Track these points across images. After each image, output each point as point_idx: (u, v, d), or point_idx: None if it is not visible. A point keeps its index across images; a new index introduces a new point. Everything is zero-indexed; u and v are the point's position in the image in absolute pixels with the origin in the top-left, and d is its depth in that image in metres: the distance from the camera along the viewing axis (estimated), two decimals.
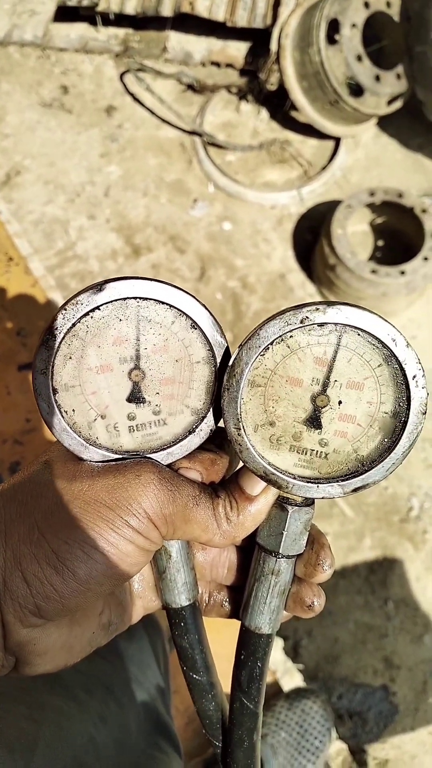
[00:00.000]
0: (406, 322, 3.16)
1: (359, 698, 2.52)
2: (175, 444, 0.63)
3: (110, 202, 3.38)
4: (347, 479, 0.61)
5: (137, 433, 0.63)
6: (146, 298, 0.58)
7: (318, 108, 3.47)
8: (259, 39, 3.71)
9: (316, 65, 3.38)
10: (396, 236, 3.36)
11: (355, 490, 0.61)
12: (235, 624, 0.71)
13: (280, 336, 0.57)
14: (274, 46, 3.53)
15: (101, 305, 0.57)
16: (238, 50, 3.80)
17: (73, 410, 0.60)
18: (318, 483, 0.61)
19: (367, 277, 3.05)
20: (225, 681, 0.75)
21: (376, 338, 0.56)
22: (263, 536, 0.65)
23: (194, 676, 0.70)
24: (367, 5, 3.43)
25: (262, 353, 0.58)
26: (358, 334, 0.57)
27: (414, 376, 0.57)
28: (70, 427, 0.60)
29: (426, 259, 3.04)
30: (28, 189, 3.36)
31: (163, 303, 0.59)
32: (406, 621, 2.60)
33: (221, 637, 0.73)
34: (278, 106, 3.62)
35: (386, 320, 0.56)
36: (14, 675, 0.58)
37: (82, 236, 3.25)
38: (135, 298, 0.58)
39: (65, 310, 0.57)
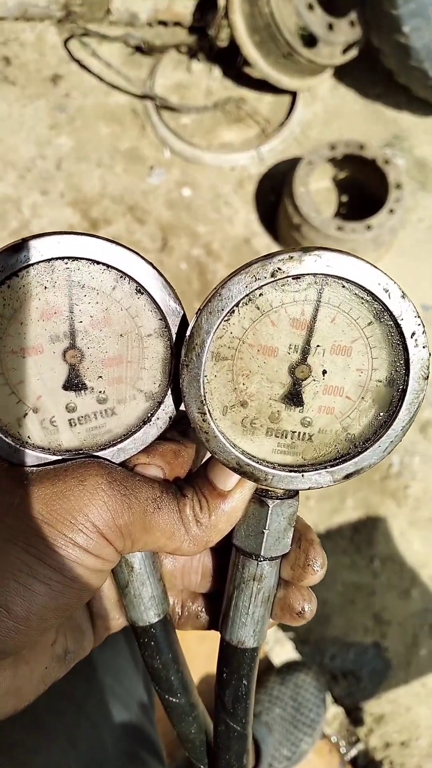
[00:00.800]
0: None
1: (352, 657, 2.53)
2: (127, 438, 0.53)
3: (63, 176, 3.26)
4: (337, 464, 0.52)
5: (80, 428, 0.53)
6: (77, 258, 0.47)
7: (271, 62, 3.35)
8: None
9: (267, 17, 3.25)
10: (360, 190, 3.29)
11: (348, 476, 0.52)
12: (213, 636, 0.64)
13: (247, 295, 0.47)
14: (221, 1, 3.39)
15: (20, 270, 0.46)
16: (185, 7, 3.65)
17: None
18: (302, 471, 0.52)
19: (333, 235, 2.98)
20: (206, 697, 0.68)
21: (365, 290, 0.47)
22: (241, 537, 0.56)
23: (171, 698, 0.62)
24: None
25: (226, 318, 0.48)
26: (343, 286, 0.47)
27: (413, 334, 0.47)
28: None
29: (391, 211, 2.97)
30: None
31: (98, 263, 0.48)
32: (393, 577, 2.60)
33: (201, 650, 0.64)
34: (231, 62, 3.49)
35: (375, 266, 0.47)
36: None
37: (37, 213, 3.13)
38: (63, 258, 0.47)
39: None
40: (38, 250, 0.46)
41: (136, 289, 0.50)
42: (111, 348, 0.51)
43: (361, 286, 0.46)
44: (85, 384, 0.51)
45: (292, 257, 0.46)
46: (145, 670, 1.10)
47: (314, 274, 0.46)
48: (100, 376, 0.52)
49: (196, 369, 0.49)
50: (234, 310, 0.48)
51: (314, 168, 3.09)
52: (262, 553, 0.56)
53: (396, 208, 2.99)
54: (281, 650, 2.19)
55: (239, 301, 0.47)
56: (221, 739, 0.62)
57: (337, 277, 0.46)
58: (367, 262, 0.47)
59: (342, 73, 3.55)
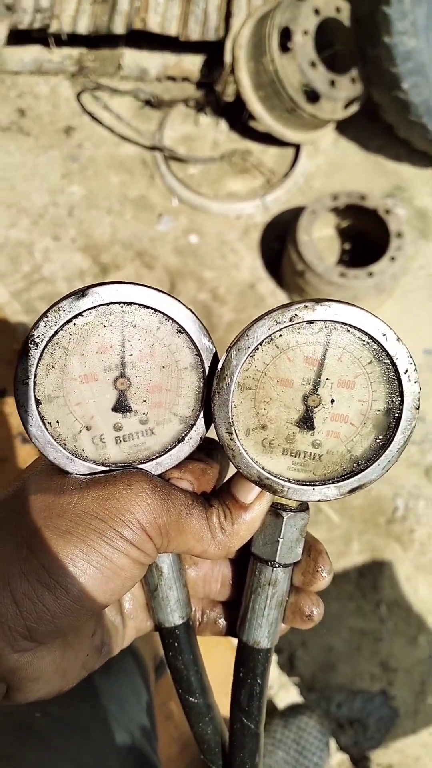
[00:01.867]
0: None
1: (358, 705, 2.50)
2: (164, 454, 0.61)
3: (75, 222, 3.36)
4: (343, 480, 0.59)
5: (124, 444, 0.61)
6: (130, 303, 0.56)
7: (276, 116, 3.49)
8: (213, 51, 3.73)
9: (271, 74, 3.40)
10: (362, 238, 3.38)
11: (352, 490, 0.60)
12: (226, 644, 0.68)
13: (270, 336, 0.56)
14: (228, 58, 3.54)
15: (84, 311, 0.55)
16: (193, 64, 3.82)
17: (57, 422, 0.58)
18: (313, 485, 0.60)
19: (336, 281, 3.05)
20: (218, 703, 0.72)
21: (366, 334, 0.55)
22: (258, 545, 0.64)
23: (190, 698, 0.68)
24: (317, 12, 3.47)
25: (251, 354, 0.57)
26: (348, 331, 0.56)
27: (406, 371, 0.56)
28: (55, 440, 0.58)
29: (393, 259, 3.06)
30: None
31: (147, 307, 0.57)
32: (399, 623, 2.59)
33: (213, 657, 0.70)
34: (236, 116, 3.63)
35: (375, 315, 0.55)
36: (5, 703, 0.55)
37: (48, 258, 3.22)
38: (119, 303, 0.56)
39: (47, 317, 0.55)
40: (100, 295, 0.56)
41: (177, 330, 0.59)
42: (154, 378, 0.60)
43: (364, 331, 0.55)
44: (130, 407, 0.60)
45: (306, 306, 0.55)
46: (149, 703, 1.15)
47: (324, 321, 0.55)
48: (144, 401, 0.60)
49: (225, 396, 0.58)
50: (258, 348, 0.57)
51: (317, 217, 3.18)
52: (277, 560, 0.63)
53: (397, 256, 3.07)
54: (285, 695, 2.17)
55: (262, 341, 0.56)
56: (236, 737, 0.68)
57: (343, 323, 0.55)
58: (369, 312, 0.55)
59: (344, 127, 3.69)
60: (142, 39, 3.79)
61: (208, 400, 0.60)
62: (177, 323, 0.58)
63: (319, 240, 3.26)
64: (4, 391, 2.25)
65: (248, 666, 0.66)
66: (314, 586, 0.64)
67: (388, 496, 2.80)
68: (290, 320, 0.55)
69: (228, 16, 3.73)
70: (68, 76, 3.89)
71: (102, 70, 3.88)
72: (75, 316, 0.55)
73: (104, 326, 0.57)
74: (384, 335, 0.55)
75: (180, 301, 0.58)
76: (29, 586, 0.51)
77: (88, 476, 0.59)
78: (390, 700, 2.50)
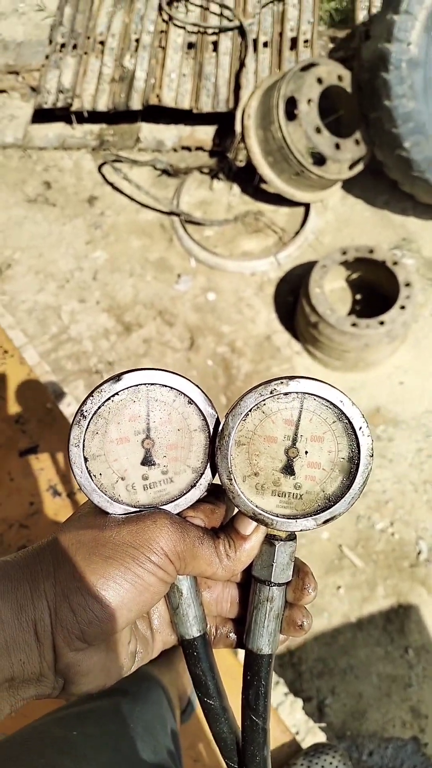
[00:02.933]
0: (393, 370, 3.27)
1: (390, 753, 2.49)
2: (180, 497, 0.77)
3: (99, 285, 3.55)
4: (318, 513, 0.74)
5: (150, 491, 0.76)
6: (153, 383, 0.73)
7: (285, 179, 3.69)
8: (224, 121, 3.97)
9: (279, 141, 3.61)
10: (372, 288, 3.51)
11: (326, 521, 0.74)
12: (230, 659, 0.80)
13: (256, 404, 0.72)
14: (238, 128, 3.78)
15: (119, 391, 0.72)
16: (206, 134, 4.06)
17: (100, 474, 0.73)
18: (296, 519, 0.74)
19: (348, 331, 3.17)
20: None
21: (328, 401, 0.71)
22: (257, 569, 0.77)
23: (208, 701, 0.80)
24: (320, 81, 3.70)
25: (243, 419, 0.72)
26: (315, 399, 0.71)
27: (360, 428, 0.72)
28: (98, 488, 0.73)
29: (403, 307, 3.17)
30: (20, 280, 3.55)
31: (166, 386, 0.74)
32: (428, 667, 2.59)
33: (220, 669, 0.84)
34: (248, 180, 3.84)
35: (334, 387, 0.71)
36: (62, 696, 0.69)
37: (75, 319, 3.40)
38: (145, 384, 0.73)
39: (92, 396, 0.71)
40: (131, 379, 0.72)
41: (188, 401, 0.75)
42: (171, 438, 0.76)
43: (326, 399, 0.71)
44: (154, 461, 0.76)
45: (282, 382, 0.71)
46: (174, 732, 1.27)
47: (297, 392, 0.72)
48: (164, 456, 0.76)
49: (225, 451, 0.73)
50: (248, 414, 0.73)
51: (328, 271, 3.33)
52: (272, 580, 0.77)
53: (407, 305, 3.19)
54: (312, 739, 2.18)
55: (251, 409, 0.72)
56: (247, 732, 0.80)
57: (311, 393, 0.71)
58: (330, 385, 0.72)
59: (350, 185, 3.87)
60: (158, 113, 4.06)
61: (212, 455, 0.76)
62: (188, 396, 0.74)
63: (331, 292, 3.40)
64: (36, 448, 2.38)
65: (254, 670, 0.79)
66: (303, 600, 0.77)
67: (411, 540, 2.84)
68: (271, 393, 0.71)
69: (237, 88, 3.99)
70: (90, 149, 4.16)
71: (121, 143, 4.15)
72: (112, 395, 0.72)
73: (134, 401, 0.73)
74: (341, 401, 0.71)
75: (190, 381, 0.74)
76: (83, 598, 0.65)
77: (123, 515, 0.74)
78: (422, 747, 2.49)
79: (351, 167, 3.68)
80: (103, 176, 4.02)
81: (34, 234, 3.78)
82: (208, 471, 0.77)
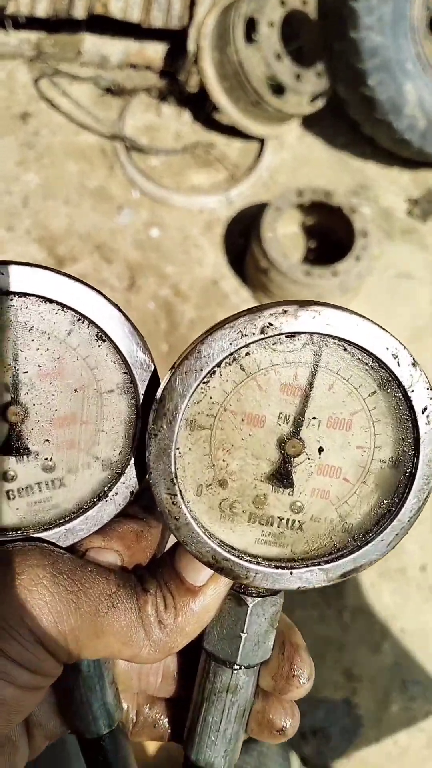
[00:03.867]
0: None
1: (321, 715, 2.44)
2: (77, 516, 0.45)
3: (30, 212, 3.21)
4: (332, 560, 0.44)
5: (19, 501, 0.44)
6: (26, 294, 0.39)
7: (240, 109, 3.41)
8: (176, 40, 3.64)
9: (236, 65, 3.31)
10: (327, 236, 3.33)
11: (344, 575, 0.44)
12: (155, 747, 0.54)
13: (232, 354, 0.40)
14: (191, 47, 3.45)
15: None
16: (155, 52, 3.71)
17: None
18: (291, 567, 0.44)
19: (300, 280, 2.99)
20: None
21: (370, 354, 0.40)
22: (213, 641, 0.48)
23: None
24: (283, 3, 3.40)
25: (205, 380, 0.41)
26: (344, 349, 0.40)
27: (425, 409, 0.40)
28: None
29: (358, 258, 3.01)
30: None
31: (52, 301, 0.40)
32: (363, 630, 2.53)
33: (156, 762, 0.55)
34: (200, 107, 3.55)
35: (384, 329, 0.40)
36: None
37: (2, 249, 3.07)
38: (8, 293, 0.39)
39: None
40: None
41: (96, 335, 0.42)
42: (63, 405, 0.43)
43: (366, 350, 0.40)
44: (28, 448, 0.43)
45: (286, 311, 0.39)
46: None
47: (311, 333, 0.40)
48: (47, 439, 0.43)
49: (166, 440, 0.41)
50: (215, 371, 0.41)
51: (282, 213, 3.11)
52: (238, 661, 0.48)
53: (362, 255, 3.03)
54: None
55: (221, 361, 0.40)
56: None
57: (338, 338, 0.40)
58: (374, 323, 0.40)
59: (309, 122, 3.64)
60: (103, 25, 3.68)
61: (142, 441, 0.43)
62: (96, 326, 0.41)
63: (284, 237, 3.19)
64: None
65: None
66: (288, 694, 0.50)
67: None
68: (261, 331, 0.39)
69: (192, 4, 3.65)
70: (26, 60, 3.74)
71: (61, 55, 3.74)
72: None
73: None
74: (395, 356, 0.40)
75: (101, 293, 0.41)
76: None
77: None
78: (353, 709, 2.45)
79: (311, 101, 3.44)
80: (40, 91, 3.62)
81: None
82: (133, 470, 0.45)
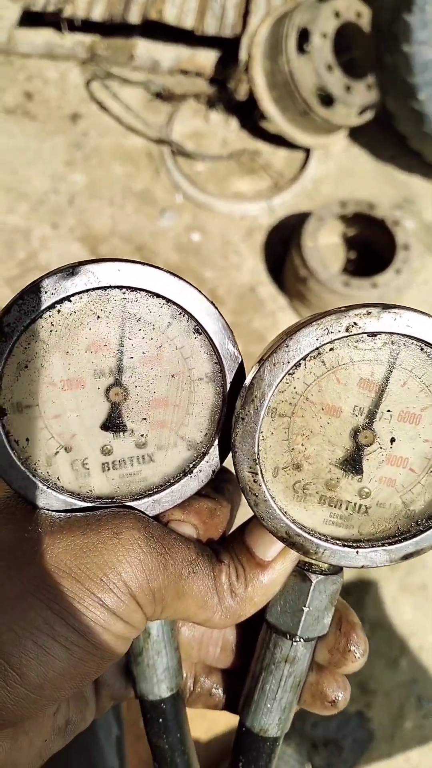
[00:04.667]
0: None
1: (334, 726, 2.43)
2: (164, 489, 0.49)
3: (75, 211, 3.27)
4: (395, 542, 0.47)
5: (114, 473, 0.48)
6: (135, 289, 0.44)
7: (288, 118, 3.42)
8: (228, 48, 3.67)
9: (286, 75, 3.33)
10: (368, 248, 3.31)
11: (406, 557, 0.48)
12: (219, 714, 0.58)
13: (317, 348, 0.44)
14: (243, 56, 3.48)
15: (73, 295, 0.43)
16: (207, 59, 3.74)
17: (27, 439, 0.45)
18: (357, 547, 0.47)
19: (338, 290, 2.99)
20: None
21: None
22: (276, 613, 0.51)
23: None
24: (337, 15, 3.41)
25: (290, 372, 0.44)
26: (421, 349, 0.44)
27: None
28: (22, 463, 0.45)
29: (398, 271, 3.00)
30: None
31: (158, 296, 0.44)
32: (381, 644, 2.51)
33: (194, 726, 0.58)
34: (248, 115, 3.57)
35: None
36: None
37: (45, 246, 3.13)
38: (120, 287, 0.43)
39: (22, 300, 0.42)
40: (96, 275, 0.43)
41: (194, 328, 0.46)
42: (159, 389, 0.47)
43: None
44: (125, 425, 0.47)
45: (370, 312, 0.43)
46: (119, 738, 1.02)
47: (391, 333, 0.44)
48: (144, 418, 0.47)
49: (252, 424, 0.45)
50: (300, 364, 0.45)
51: (324, 223, 3.12)
52: (299, 633, 0.51)
53: (403, 269, 3.01)
54: None
55: (307, 355, 0.44)
56: None
57: (416, 338, 0.44)
58: None
59: (356, 134, 3.63)
60: (156, 30, 3.72)
61: (227, 424, 0.48)
62: (194, 320, 0.46)
63: (324, 247, 3.19)
64: None
65: (251, 756, 0.54)
66: (344, 667, 0.52)
67: None
68: (347, 329, 0.43)
69: (246, 13, 3.67)
70: (79, 62, 3.81)
71: (114, 59, 3.81)
72: (61, 301, 0.43)
73: (99, 317, 0.44)
74: None
75: (201, 292, 0.46)
76: None
77: (63, 515, 0.46)
78: (366, 722, 2.43)
79: (360, 114, 3.43)
80: (91, 93, 3.69)
81: (9, 148, 3.45)
82: (216, 451, 0.49)
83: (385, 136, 3.61)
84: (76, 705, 0.51)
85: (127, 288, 0.44)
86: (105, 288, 0.43)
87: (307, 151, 3.55)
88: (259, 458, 0.46)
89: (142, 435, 0.48)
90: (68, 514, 0.46)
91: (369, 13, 3.54)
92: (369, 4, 3.62)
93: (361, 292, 2.99)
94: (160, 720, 0.54)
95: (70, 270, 0.43)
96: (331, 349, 0.45)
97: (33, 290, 0.43)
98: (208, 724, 1.88)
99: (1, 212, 3.21)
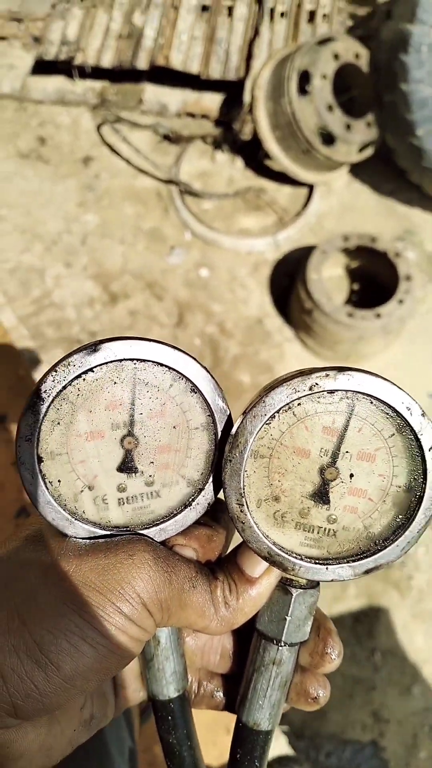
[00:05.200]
0: (384, 365, 3.17)
1: (348, 755, 2.44)
2: (168, 519, 0.59)
3: (87, 250, 3.40)
4: (358, 559, 0.57)
5: (127, 507, 0.58)
6: (144, 360, 0.54)
7: (291, 157, 3.54)
8: (232, 90, 3.80)
9: (288, 115, 3.45)
10: (371, 279, 3.40)
11: (368, 571, 0.57)
12: (209, 714, 0.66)
13: (288, 404, 0.54)
14: (247, 98, 3.61)
15: (95, 367, 0.53)
16: (212, 101, 3.89)
17: (59, 481, 0.55)
18: (327, 564, 0.57)
19: (343, 321, 3.06)
20: None
21: (390, 406, 0.53)
22: (264, 622, 0.61)
23: None
24: (336, 57, 3.54)
25: (267, 422, 0.54)
26: (371, 402, 0.54)
27: (431, 448, 0.54)
28: (55, 500, 0.55)
29: (401, 301, 3.07)
30: (5, 238, 3.37)
31: (161, 365, 0.55)
32: (394, 672, 2.53)
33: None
34: (252, 155, 3.69)
35: (400, 388, 0.54)
36: None
37: (59, 284, 3.25)
38: (132, 359, 0.54)
39: (55, 371, 0.53)
40: (113, 351, 0.54)
41: (190, 388, 0.57)
42: (163, 437, 0.58)
43: (387, 403, 0.53)
44: (137, 468, 0.58)
45: (328, 375, 0.53)
46: (132, 752, 1.11)
47: (346, 391, 0.54)
48: (152, 462, 0.58)
49: (237, 464, 0.55)
50: (275, 416, 0.55)
51: (327, 257, 3.21)
52: (283, 639, 0.60)
53: (405, 299, 3.08)
54: (275, 744, 2.12)
55: (280, 408, 0.54)
56: None
57: (366, 394, 0.53)
58: (393, 384, 0.54)
59: (358, 170, 3.74)
60: (164, 75, 3.88)
61: (219, 465, 0.58)
62: (191, 381, 0.56)
63: (328, 279, 3.28)
64: (5, 417, 2.24)
65: (246, 748, 0.63)
66: (322, 668, 0.61)
67: None
68: (310, 389, 0.53)
69: (249, 57, 3.82)
70: (90, 107, 3.97)
71: (123, 103, 3.96)
72: (85, 371, 0.53)
73: (115, 383, 0.55)
74: (408, 409, 0.53)
75: (196, 360, 0.56)
76: (18, 661, 0.48)
77: (88, 541, 0.56)
78: (380, 752, 2.44)
79: (360, 150, 3.54)
80: (102, 136, 3.84)
81: (24, 191, 3.59)
82: (210, 487, 0.59)
83: (386, 171, 3.72)
84: (99, 702, 0.61)
85: (138, 360, 0.55)
86: (120, 360, 0.54)
87: (311, 188, 3.66)
88: (244, 492, 0.56)
89: (150, 475, 0.58)
90: (92, 540, 0.57)
91: (367, 53, 3.67)
92: (367, 45, 3.76)
93: (365, 323, 3.06)
94: (169, 718, 0.63)
95: (93, 347, 0.54)
96: (299, 404, 0.54)
97: (64, 363, 0.53)
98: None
99: (17, 252, 3.34)
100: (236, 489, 0.56)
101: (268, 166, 3.66)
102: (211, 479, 0.59)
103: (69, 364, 0.53)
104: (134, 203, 3.60)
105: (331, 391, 0.54)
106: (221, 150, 3.78)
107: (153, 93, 3.97)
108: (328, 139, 3.46)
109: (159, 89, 3.98)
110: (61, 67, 4.01)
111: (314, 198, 3.62)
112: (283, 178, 3.61)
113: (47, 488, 0.55)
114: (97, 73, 3.94)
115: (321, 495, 0.56)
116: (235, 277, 3.38)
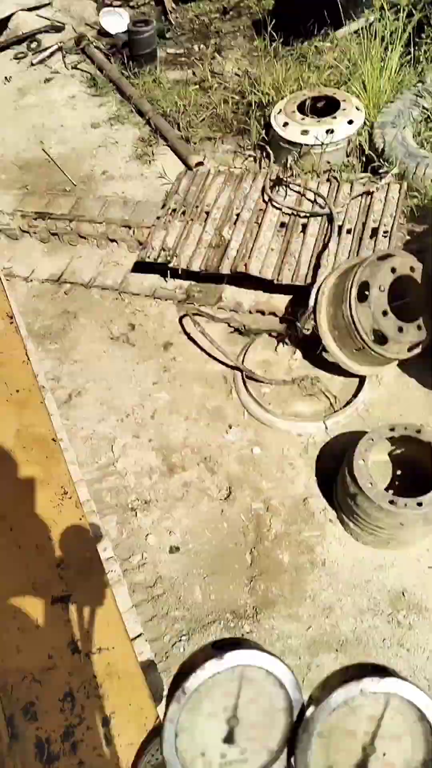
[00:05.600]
0: (424, 552, 3.19)
1: None
2: None
3: (155, 424, 3.80)
4: None
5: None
6: (251, 665, 0.73)
7: (347, 352, 3.89)
8: (299, 292, 4.31)
9: (348, 319, 3.85)
10: (414, 465, 3.53)
11: None
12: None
13: (345, 701, 0.69)
14: (311, 303, 4.08)
15: (222, 671, 0.72)
16: (281, 301, 4.41)
17: (185, 749, 0.72)
18: None
19: (385, 507, 3.17)
20: None
21: (413, 704, 0.69)
22: None
23: None
24: (393, 270, 3.97)
25: (329, 713, 0.70)
26: (401, 699, 0.69)
27: None
28: (181, 764, 0.72)
29: None
30: (85, 408, 3.86)
31: (262, 668, 0.73)
32: None
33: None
34: (311, 347, 4.08)
35: (423, 691, 0.70)
36: None
37: (125, 453, 3.62)
38: (243, 665, 0.73)
39: (195, 673, 0.71)
40: (233, 659, 0.72)
41: (279, 684, 0.74)
42: (256, 718, 0.75)
43: (412, 702, 0.69)
44: (235, 740, 0.74)
45: (373, 680, 0.69)
46: None
47: (385, 693, 0.70)
48: (247, 737, 0.75)
49: (306, 744, 0.71)
50: (335, 709, 0.71)
51: (374, 444, 3.40)
52: None
53: None
54: None
55: (339, 704, 0.70)
56: None
57: (399, 695, 0.69)
58: (419, 688, 0.70)
59: (407, 364, 4.02)
60: (241, 277, 4.48)
61: (292, 741, 0.74)
62: (278, 679, 0.74)
63: (373, 464, 3.44)
64: (69, 597, 2.22)
65: None
66: None
67: None
68: (361, 692, 0.69)
69: (317, 266, 4.35)
70: (176, 301, 4.61)
71: (204, 299, 4.58)
72: (214, 675, 0.72)
73: (230, 680, 0.73)
74: (428, 707, 0.69)
75: (284, 662, 0.74)
76: None
77: None
78: None
79: (410, 349, 3.84)
80: (182, 326, 4.40)
81: (110, 368, 4.15)
82: (284, 756, 0.75)
83: None
84: None
85: (245, 665, 0.74)
86: (235, 666, 0.73)
87: (362, 378, 3.96)
88: (309, 765, 0.72)
89: (244, 747, 0.75)
90: None
91: (421, 267, 4.09)
92: (421, 258, 4.20)
93: (406, 510, 3.14)
94: None
95: (219, 656, 0.72)
96: (353, 700, 0.70)
97: (200, 667, 0.73)
98: None
99: (94, 422, 3.80)
100: (304, 762, 0.71)
101: (324, 358, 4.03)
102: (285, 750, 0.75)
103: (204, 669, 0.71)
104: (202, 385, 4.03)
105: (375, 692, 0.70)
106: (284, 344, 4.22)
107: (231, 292, 4.57)
108: (381, 339, 3.80)
109: (236, 290, 4.57)
110: (157, 268, 4.74)
111: (365, 388, 3.90)
112: (337, 368, 3.95)
113: (177, 755, 0.73)
114: (186, 274, 4.61)
115: (362, 767, 0.71)
116: (285, 456, 3.63)
